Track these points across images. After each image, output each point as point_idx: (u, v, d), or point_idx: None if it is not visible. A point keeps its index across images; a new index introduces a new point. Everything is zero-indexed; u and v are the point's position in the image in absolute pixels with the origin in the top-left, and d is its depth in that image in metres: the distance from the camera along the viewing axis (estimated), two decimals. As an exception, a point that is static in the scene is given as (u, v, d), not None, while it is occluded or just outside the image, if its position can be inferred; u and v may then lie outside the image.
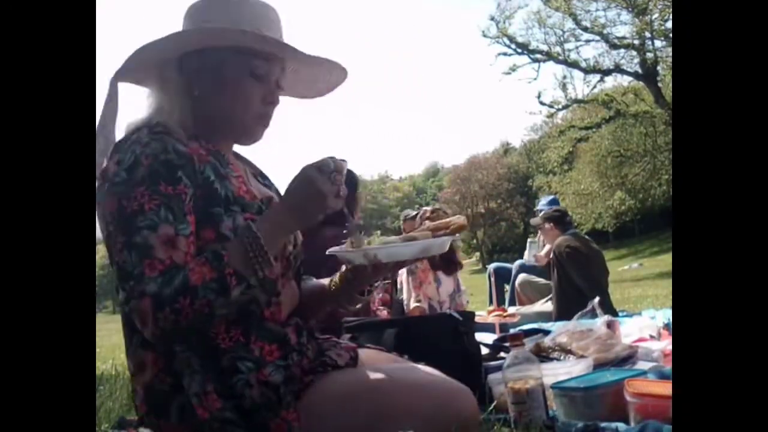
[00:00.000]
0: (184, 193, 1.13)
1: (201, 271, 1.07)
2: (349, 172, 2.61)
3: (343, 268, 1.39)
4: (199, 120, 1.25)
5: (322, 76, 1.39)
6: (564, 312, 4.13)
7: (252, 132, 1.30)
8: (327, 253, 1.33)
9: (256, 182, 1.36)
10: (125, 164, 1.12)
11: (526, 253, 5.16)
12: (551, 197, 6.33)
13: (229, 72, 1.25)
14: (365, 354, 1.42)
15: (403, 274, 3.79)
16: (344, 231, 2.36)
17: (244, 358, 1.15)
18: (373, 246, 1.28)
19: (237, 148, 1.36)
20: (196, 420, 1.12)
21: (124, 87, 1.29)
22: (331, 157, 1.18)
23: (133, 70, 1.25)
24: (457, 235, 1.37)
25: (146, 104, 1.26)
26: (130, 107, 1.26)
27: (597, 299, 2.79)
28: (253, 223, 1.14)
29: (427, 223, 1.38)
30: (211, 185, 1.17)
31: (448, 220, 1.36)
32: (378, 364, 1.38)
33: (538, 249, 5.86)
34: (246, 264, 1.10)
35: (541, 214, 5.21)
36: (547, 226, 5.00)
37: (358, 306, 1.44)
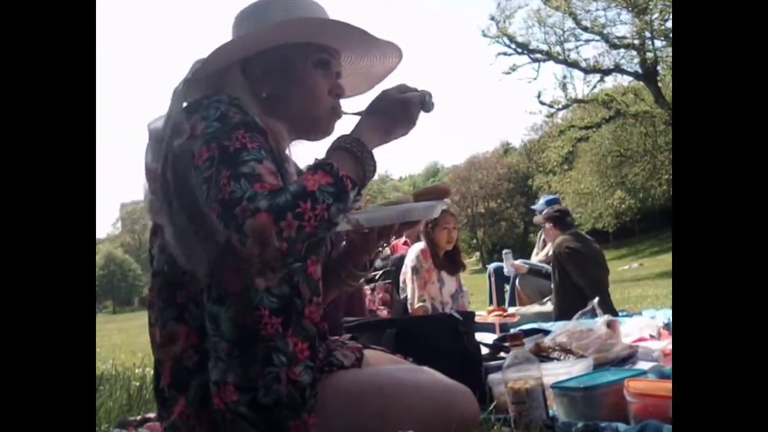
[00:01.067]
0: (271, 152, 1.14)
1: (314, 178, 1.05)
2: None
3: (343, 243, 1.41)
4: (266, 116, 1.23)
5: (377, 61, 1.40)
6: (564, 312, 4.13)
7: (326, 125, 1.31)
8: None
9: None
10: (213, 117, 1.11)
11: (504, 264, 5.16)
12: (550, 197, 6.32)
13: (295, 67, 1.27)
14: (369, 355, 1.42)
15: (407, 273, 3.79)
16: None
17: (280, 350, 1.13)
18: (354, 212, 1.26)
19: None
20: (212, 406, 1.12)
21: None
22: (403, 83, 1.23)
23: (196, 81, 1.24)
24: (446, 200, 1.36)
25: None
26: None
27: (597, 299, 2.79)
28: (347, 135, 1.17)
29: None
30: (280, 164, 1.17)
31: (431, 186, 1.37)
32: (382, 365, 1.39)
33: (539, 249, 5.86)
34: (355, 167, 1.12)
35: (542, 214, 5.21)
36: (547, 225, 4.99)
37: (361, 281, 1.44)
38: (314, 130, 1.31)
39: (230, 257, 1.05)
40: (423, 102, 1.22)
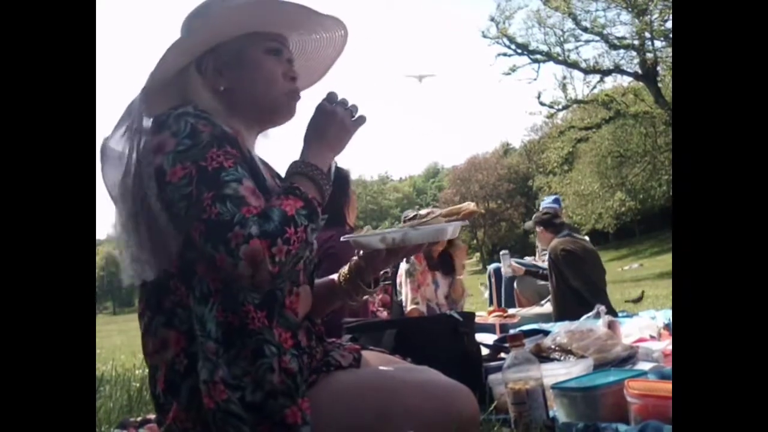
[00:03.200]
0: (244, 162, 1.18)
1: (288, 203, 1.13)
2: (339, 169, 2.59)
3: (354, 258, 1.42)
4: (232, 113, 1.28)
5: (325, 42, 1.44)
6: (563, 313, 4.13)
7: (285, 108, 1.34)
8: (342, 239, 1.38)
9: (273, 182, 1.37)
10: (184, 133, 1.14)
11: (502, 265, 5.14)
12: (554, 197, 6.31)
13: (246, 57, 1.30)
14: (367, 355, 1.42)
15: (402, 275, 3.79)
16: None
17: (269, 341, 1.16)
18: (389, 229, 1.32)
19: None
20: (203, 407, 1.12)
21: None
22: (332, 92, 1.30)
23: (154, 91, 1.27)
24: (467, 221, 1.40)
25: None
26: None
27: (603, 306, 2.80)
28: (296, 161, 1.24)
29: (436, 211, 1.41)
30: (253, 167, 1.22)
31: (458, 206, 1.39)
32: (380, 365, 1.39)
33: (539, 253, 5.85)
34: (315, 190, 1.20)
35: (531, 219, 5.20)
36: (538, 229, 4.99)
37: (365, 298, 1.46)
38: (276, 113, 1.34)
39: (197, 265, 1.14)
40: (350, 109, 1.29)
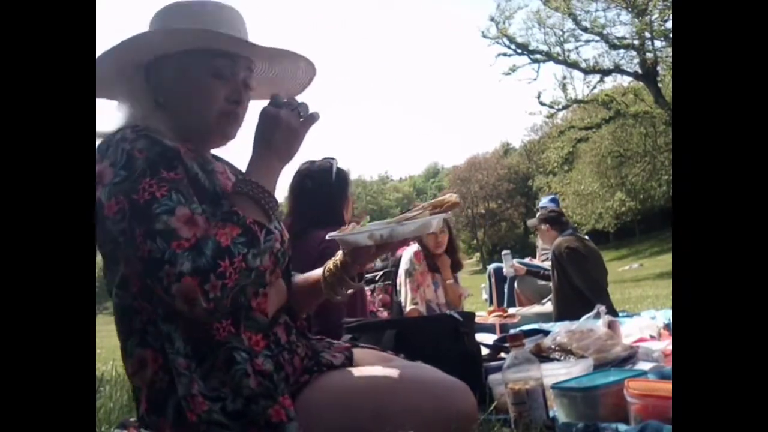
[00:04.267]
0: (182, 180, 1.15)
1: (224, 232, 1.10)
2: (340, 170, 2.59)
3: (338, 254, 1.40)
4: (170, 126, 1.25)
5: (290, 72, 1.40)
6: (564, 313, 4.12)
7: (219, 131, 1.30)
8: (327, 237, 1.35)
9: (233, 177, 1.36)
10: (120, 163, 1.13)
11: (504, 265, 5.14)
12: (551, 196, 6.32)
13: (192, 74, 1.26)
14: (360, 353, 1.42)
15: (401, 276, 3.79)
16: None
17: (239, 348, 1.16)
18: (375, 225, 1.31)
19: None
20: (187, 421, 1.13)
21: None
22: (276, 95, 1.25)
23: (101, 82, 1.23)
24: (449, 213, 1.40)
25: (117, 116, 1.27)
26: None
27: (603, 307, 2.80)
28: (242, 175, 1.19)
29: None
30: (198, 181, 1.20)
31: (441, 198, 1.39)
32: (373, 362, 1.38)
33: (539, 252, 5.85)
34: (259, 211, 1.16)
35: (537, 216, 5.20)
36: (543, 227, 4.99)
37: (349, 292, 1.44)
38: (210, 135, 1.30)
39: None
40: (297, 109, 1.23)
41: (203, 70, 1.26)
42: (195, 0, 1.29)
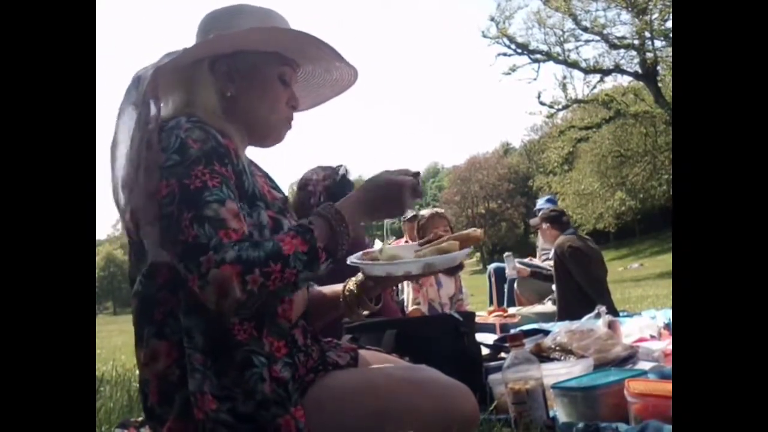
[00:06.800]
0: (232, 179, 1.16)
1: (292, 242, 1.11)
2: (343, 177, 2.61)
3: (359, 275, 1.40)
4: (230, 120, 1.27)
5: (331, 81, 1.45)
6: (567, 312, 4.12)
7: (278, 133, 1.35)
8: (349, 262, 1.34)
9: (267, 185, 1.37)
10: (172, 148, 1.13)
11: (506, 267, 5.13)
12: (548, 197, 6.32)
13: (260, 75, 1.31)
14: (365, 355, 1.42)
15: (403, 276, 3.79)
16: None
17: (258, 352, 1.15)
18: (409, 261, 1.30)
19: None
20: (194, 417, 1.12)
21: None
22: (412, 172, 1.27)
23: (164, 73, 1.25)
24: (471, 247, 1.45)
25: (169, 101, 1.28)
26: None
27: (604, 307, 2.81)
28: (332, 205, 1.21)
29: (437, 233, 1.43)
30: (241, 181, 1.20)
31: (467, 232, 1.41)
32: (377, 364, 1.39)
33: (539, 252, 5.85)
34: (331, 240, 1.16)
35: (539, 215, 5.20)
36: (544, 226, 4.99)
37: (365, 313, 1.44)
38: (267, 137, 1.35)
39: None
40: (415, 188, 1.25)
41: (273, 73, 1.31)
42: (258, 7, 1.33)
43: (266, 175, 1.42)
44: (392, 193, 1.23)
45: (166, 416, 1.17)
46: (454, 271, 3.91)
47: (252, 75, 1.30)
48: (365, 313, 1.44)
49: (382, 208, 1.25)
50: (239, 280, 1.04)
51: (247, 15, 1.31)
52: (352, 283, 1.42)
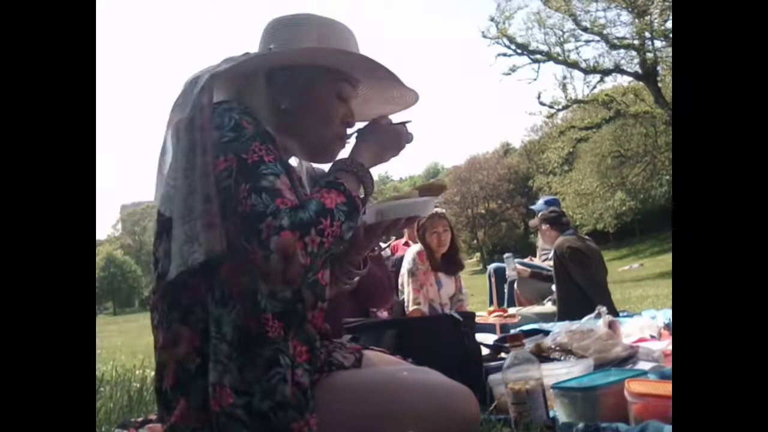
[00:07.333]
0: (281, 159, 1.18)
1: (329, 196, 1.13)
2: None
3: None
4: (283, 132, 1.28)
5: (388, 102, 1.45)
6: (567, 312, 4.12)
7: (331, 150, 1.34)
8: None
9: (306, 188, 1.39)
10: (227, 126, 1.14)
11: (506, 268, 5.12)
12: (548, 198, 6.30)
13: (318, 91, 1.31)
14: (369, 356, 1.42)
15: (404, 275, 3.78)
16: None
17: (284, 352, 1.15)
18: (381, 203, 1.34)
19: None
20: (210, 409, 1.12)
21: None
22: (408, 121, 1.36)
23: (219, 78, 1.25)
24: (440, 197, 1.45)
25: (217, 96, 1.26)
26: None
27: (604, 307, 2.80)
28: (346, 158, 1.26)
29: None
30: (291, 171, 1.23)
31: (430, 182, 1.46)
32: (381, 365, 1.39)
33: (539, 252, 5.85)
34: (358, 188, 1.20)
35: (538, 216, 5.20)
36: (544, 227, 4.99)
37: (355, 279, 1.45)
38: (320, 153, 1.35)
39: (238, 260, 1.10)
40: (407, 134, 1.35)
41: (330, 89, 1.31)
42: (324, 18, 1.34)
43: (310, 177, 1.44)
44: (392, 140, 1.32)
45: (177, 403, 1.16)
46: (454, 271, 3.91)
47: (309, 89, 1.30)
48: (355, 279, 1.45)
49: (384, 154, 1.32)
50: (301, 244, 1.05)
51: (312, 27, 1.31)
52: None
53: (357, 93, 1.38)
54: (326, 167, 1.31)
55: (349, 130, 1.35)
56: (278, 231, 1.04)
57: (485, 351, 2.36)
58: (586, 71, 19.77)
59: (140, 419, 2.00)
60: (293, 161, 1.37)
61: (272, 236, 1.04)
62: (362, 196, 1.21)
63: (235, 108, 1.18)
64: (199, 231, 1.11)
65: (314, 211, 1.08)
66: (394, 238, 4.78)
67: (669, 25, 17.09)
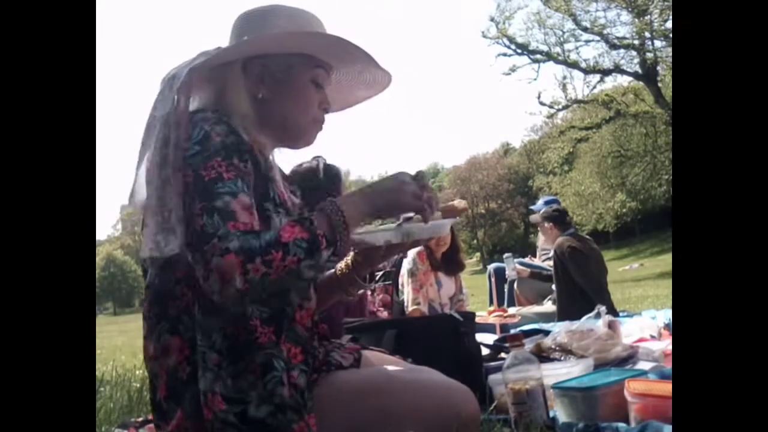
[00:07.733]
0: (249, 175, 1.17)
1: (291, 230, 1.09)
2: (330, 167, 2.58)
3: (350, 254, 1.42)
4: (260, 121, 1.28)
5: (364, 85, 1.45)
6: (567, 312, 4.12)
7: (309, 135, 1.36)
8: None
9: (287, 190, 1.38)
10: (195, 138, 1.14)
11: (506, 268, 5.12)
12: (548, 198, 6.30)
13: (295, 78, 1.31)
14: (368, 355, 1.42)
15: (404, 275, 3.78)
16: None
17: (278, 356, 1.15)
18: (408, 225, 1.32)
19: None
20: (203, 417, 1.12)
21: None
22: (422, 172, 1.29)
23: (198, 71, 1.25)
24: (458, 218, 1.44)
25: (196, 99, 1.28)
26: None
27: (604, 307, 2.81)
28: (333, 200, 1.18)
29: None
30: (266, 181, 1.21)
31: (452, 203, 1.43)
32: (380, 365, 1.39)
33: (539, 252, 5.84)
34: (331, 232, 1.13)
35: (540, 213, 5.19)
36: (546, 225, 4.98)
37: (360, 292, 1.45)
38: (298, 139, 1.36)
39: None
40: (416, 193, 1.23)
41: (306, 76, 1.31)
42: (291, 8, 1.33)
43: (286, 177, 1.43)
44: (392, 194, 1.22)
45: (173, 413, 1.16)
46: (454, 270, 3.91)
47: (285, 77, 1.30)
48: (360, 291, 1.45)
49: (383, 207, 1.23)
50: (241, 269, 1.03)
51: (281, 16, 1.31)
52: (342, 263, 1.43)
53: (331, 80, 1.38)
54: (287, 170, 1.30)
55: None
56: (222, 253, 1.03)
57: (485, 351, 2.36)
58: (586, 71, 19.77)
59: (140, 419, 2.00)
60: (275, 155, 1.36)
61: (215, 257, 1.04)
62: (330, 237, 1.13)
63: (209, 118, 1.17)
64: (174, 223, 1.11)
65: (266, 240, 1.06)
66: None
67: (669, 25, 17.10)
